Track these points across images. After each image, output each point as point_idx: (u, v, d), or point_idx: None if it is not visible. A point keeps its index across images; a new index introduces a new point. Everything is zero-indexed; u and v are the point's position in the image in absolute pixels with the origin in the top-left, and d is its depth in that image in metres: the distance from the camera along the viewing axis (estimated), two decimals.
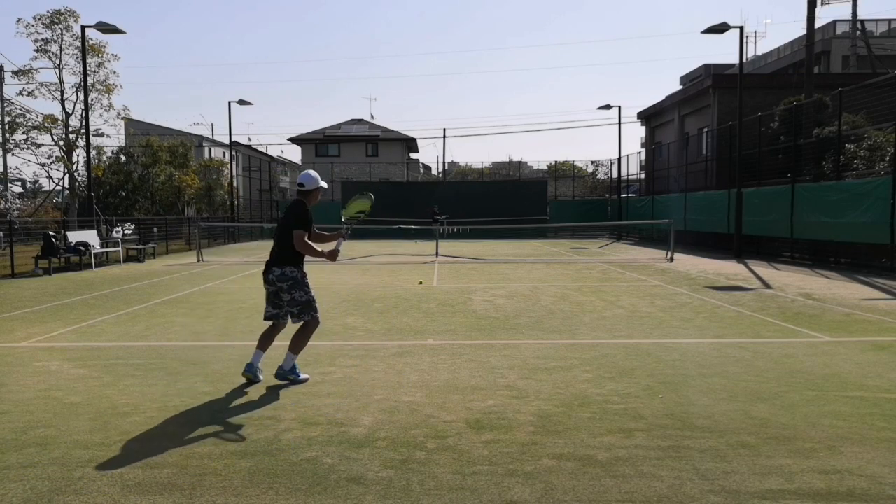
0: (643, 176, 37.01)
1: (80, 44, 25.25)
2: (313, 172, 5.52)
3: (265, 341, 5.55)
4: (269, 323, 5.57)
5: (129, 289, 12.50)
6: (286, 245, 5.30)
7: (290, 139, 51.41)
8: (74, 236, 17.37)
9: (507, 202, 35.17)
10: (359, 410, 4.73)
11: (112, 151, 38.04)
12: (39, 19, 27.21)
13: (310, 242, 5.28)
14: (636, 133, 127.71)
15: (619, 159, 35.02)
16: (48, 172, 30.50)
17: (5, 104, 30.83)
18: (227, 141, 34.75)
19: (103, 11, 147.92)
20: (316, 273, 15.34)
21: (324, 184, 5.49)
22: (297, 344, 5.44)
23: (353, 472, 3.63)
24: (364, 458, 3.81)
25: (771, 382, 5.42)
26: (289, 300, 5.35)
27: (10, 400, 5.06)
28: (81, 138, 26.31)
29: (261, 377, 5.52)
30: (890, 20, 41.09)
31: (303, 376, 5.50)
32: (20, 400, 5.06)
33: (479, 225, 32.71)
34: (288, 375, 5.42)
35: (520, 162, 50.38)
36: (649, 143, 38.20)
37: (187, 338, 7.54)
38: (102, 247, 18.54)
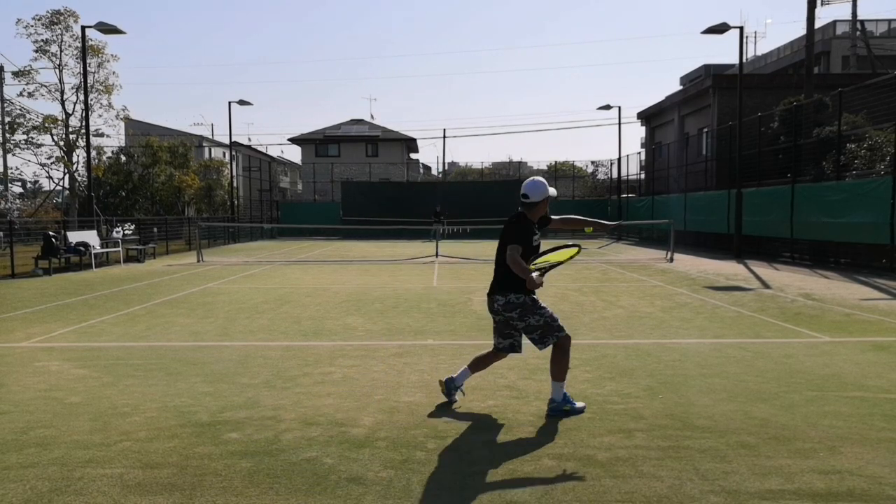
0: (643, 176, 37.01)
1: (79, 44, 25.34)
2: (540, 179, 4.74)
3: (480, 364, 4.93)
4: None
5: (129, 289, 12.50)
6: (504, 267, 4.58)
7: (290, 139, 51.43)
8: (74, 236, 17.38)
9: (508, 202, 35.11)
10: (359, 410, 4.73)
11: (112, 151, 38.14)
12: (39, 20, 27.29)
13: (520, 260, 4.47)
14: (636, 133, 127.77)
15: (619, 160, 35.03)
16: (48, 173, 30.60)
17: (5, 105, 30.85)
18: (227, 141, 34.76)
19: (103, 12, 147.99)
20: (315, 273, 15.35)
21: (553, 191, 4.73)
22: (559, 369, 4.61)
23: (353, 472, 3.62)
24: (364, 458, 3.81)
25: (771, 383, 5.42)
26: (524, 328, 4.61)
27: (10, 400, 5.06)
28: (81, 138, 26.36)
29: (456, 398, 4.93)
30: (890, 20, 41.08)
31: (579, 405, 4.68)
32: (20, 400, 5.06)
33: (479, 225, 32.71)
34: (563, 407, 4.61)
35: (520, 162, 50.30)
36: (649, 144, 38.20)
37: (187, 338, 7.54)
38: (102, 247, 18.53)
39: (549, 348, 4.63)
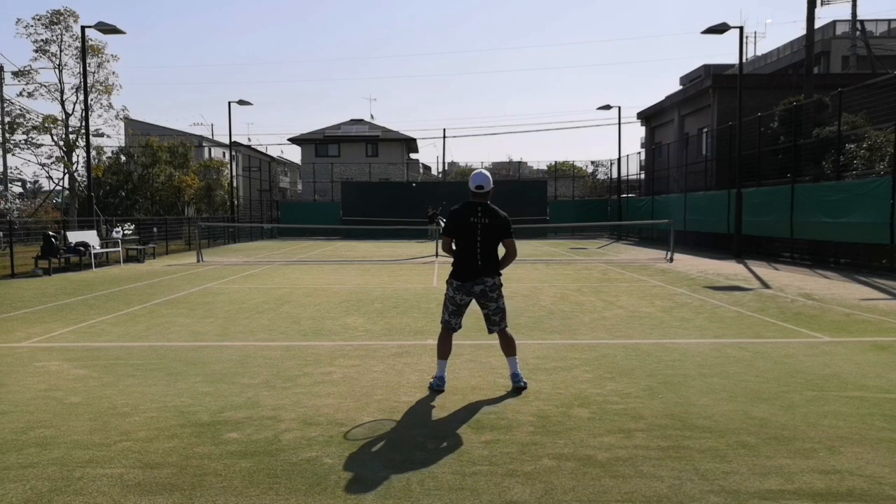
0: (643, 176, 37.02)
1: (79, 44, 25.30)
2: (486, 171, 5.29)
3: (447, 348, 5.36)
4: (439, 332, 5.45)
5: (128, 289, 12.50)
6: (495, 253, 5.22)
7: (290, 139, 51.42)
8: (74, 236, 17.37)
9: (507, 202, 34.78)
10: (359, 410, 4.73)
11: (112, 151, 38.11)
12: (39, 20, 27.27)
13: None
14: (636, 133, 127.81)
15: (619, 160, 35.04)
16: (48, 173, 30.59)
17: (5, 104, 30.85)
18: (227, 141, 34.76)
19: (103, 11, 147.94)
20: (315, 273, 15.35)
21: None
22: (514, 346, 5.34)
23: (353, 472, 3.63)
24: (364, 458, 3.82)
25: (771, 382, 5.42)
26: (494, 308, 5.25)
27: (10, 400, 5.06)
28: (81, 138, 26.34)
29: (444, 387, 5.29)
30: (890, 20, 41.07)
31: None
32: (20, 400, 5.06)
33: None
34: (523, 380, 5.30)
35: (520, 162, 50.28)
36: (649, 144, 38.21)
37: (187, 338, 7.54)
38: (102, 247, 18.53)
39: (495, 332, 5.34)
